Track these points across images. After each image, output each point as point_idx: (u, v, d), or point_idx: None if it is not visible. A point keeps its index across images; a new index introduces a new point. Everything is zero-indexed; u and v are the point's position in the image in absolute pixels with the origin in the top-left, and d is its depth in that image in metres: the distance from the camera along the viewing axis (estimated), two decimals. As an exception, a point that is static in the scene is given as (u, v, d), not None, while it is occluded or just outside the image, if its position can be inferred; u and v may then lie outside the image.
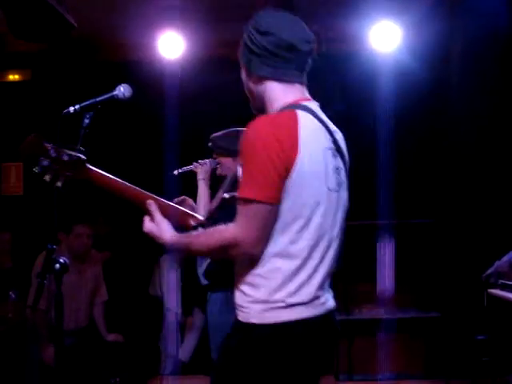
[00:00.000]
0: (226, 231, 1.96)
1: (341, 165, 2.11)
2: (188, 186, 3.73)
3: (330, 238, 2.05)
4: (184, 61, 5.63)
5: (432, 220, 5.58)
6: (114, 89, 2.31)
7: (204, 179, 3.67)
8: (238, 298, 2.05)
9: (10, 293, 5.10)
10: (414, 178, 5.79)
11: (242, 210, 1.94)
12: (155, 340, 5.50)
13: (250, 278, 2.00)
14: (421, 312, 5.53)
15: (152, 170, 5.28)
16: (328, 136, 2.08)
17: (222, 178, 3.57)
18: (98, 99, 2.25)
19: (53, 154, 2.08)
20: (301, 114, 2.00)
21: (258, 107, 2.18)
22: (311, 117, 2.04)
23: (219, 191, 3.51)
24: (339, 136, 2.15)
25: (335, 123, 2.16)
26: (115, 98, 2.27)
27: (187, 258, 4.19)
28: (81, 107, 2.22)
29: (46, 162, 2.07)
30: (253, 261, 1.98)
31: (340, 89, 5.67)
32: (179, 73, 5.57)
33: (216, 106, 5.70)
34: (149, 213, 2.14)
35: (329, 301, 2.10)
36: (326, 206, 2.02)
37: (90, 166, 2.14)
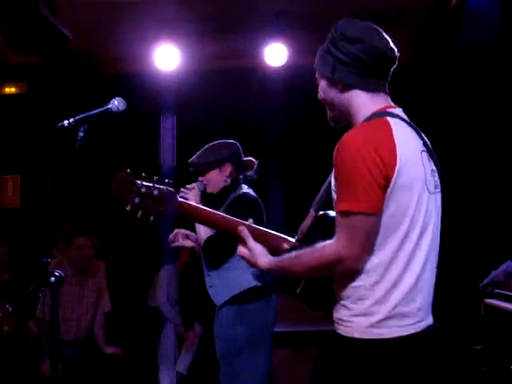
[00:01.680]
0: (327, 248, 1.92)
1: (434, 167, 2.08)
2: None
3: (431, 245, 2.02)
4: (180, 73, 5.64)
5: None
6: (108, 102, 2.32)
7: (196, 203, 3.61)
8: (340, 311, 2.01)
9: (7, 305, 5.09)
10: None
11: (342, 223, 1.90)
12: (153, 352, 5.49)
13: (352, 291, 1.97)
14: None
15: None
16: (419, 139, 2.06)
17: (215, 195, 3.57)
18: (91, 113, 2.26)
19: (143, 190, 2.05)
20: (392, 120, 1.98)
21: (338, 118, 2.15)
22: (402, 122, 2.02)
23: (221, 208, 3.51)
24: (426, 138, 2.12)
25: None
26: (109, 112, 2.29)
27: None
28: (75, 120, 2.23)
29: (137, 200, 2.04)
30: (355, 274, 1.94)
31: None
32: (175, 85, 5.59)
33: (212, 118, 5.71)
34: (241, 239, 2.11)
35: (430, 317, 2.06)
36: (427, 211, 1.99)
37: (181, 199, 2.12)
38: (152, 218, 2.05)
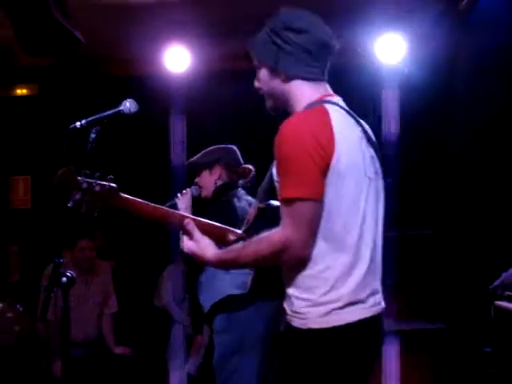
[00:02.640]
0: (273, 236, 1.92)
1: (374, 153, 2.11)
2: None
3: (374, 231, 2.04)
4: (190, 75, 5.65)
5: (437, 231, 5.57)
6: (120, 103, 2.34)
7: (186, 209, 3.55)
8: (293, 303, 2.00)
9: (18, 306, 5.12)
10: (416, 189, 5.79)
11: (287, 210, 1.90)
12: (162, 352, 5.50)
13: (302, 281, 1.97)
14: (427, 324, 5.51)
15: (159, 184, 5.30)
16: (358, 126, 2.09)
17: (208, 200, 3.56)
18: (104, 114, 2.27)
19: (84, 185, 2.07)
20: (330, 107, 2.00)
21: (278, 107, 2.17)
22: (340, 109, 2.05)
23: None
24: (367, 126, 2.16)
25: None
26: (121, 113, 2.30)
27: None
28: (87, 122, 2.24)
29: (78, 196, 2.06)
30: (303, 262, 1.94)
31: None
32: (185, 87, 5.60)
33: (222, 119, 5.72)
34: (187, 232, 2.12)
35: (382, 302, 2.08)
36: (368, 196, 2.02)
37: (123, 194, 2.13)
38: (96, 213, 2.09)
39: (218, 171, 3.53)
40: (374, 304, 2.03)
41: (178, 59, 5.56)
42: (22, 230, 6.19)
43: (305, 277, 1.96)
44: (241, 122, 5.76)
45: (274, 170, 2.02)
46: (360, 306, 1.97)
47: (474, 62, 5.19)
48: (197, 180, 3.61)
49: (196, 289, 3.56)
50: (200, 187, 3.60)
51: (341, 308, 1.94)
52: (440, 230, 5.56)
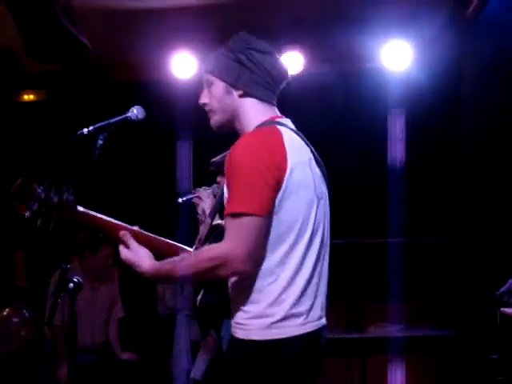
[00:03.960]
0: (214, 249, 1.94)
1: (320, 173, 2.17)
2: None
3: (320, 247, 2.07)
4: (197, 81, 5.65)
5: (445, 238, 5.56)
6: (127, 109, 2.35)
7: (206, 204, 3.61)
8: (237, 315, 2.03)
9: (24, 311, 5.13)
10: (425, 196, 5.79)
11: (231, 225, 1.92)
12: (167, 358, 5.50)
13: (247, 294, 1.99)
14: (433, 330, 5.50)
15: (165, 190, 5.31)
16: (307, 147, 2.15)
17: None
18: (111, 121, 2.28)
19: (42, 195, 2.06)
20: (281, 128, 2.06)
21: (225, 123, 2.21)
22: (290, 131, 2.10)
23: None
24: (312, 148, 2.20)
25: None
26: (128, 120, 2.30)
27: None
28: (94, 129, 2.25)
29: (35, 206, 2.05)
30: (249, 276, 1.96)
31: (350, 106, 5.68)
32: (192, 93, 5.60)
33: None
34: (122, 242, 2.10)
35: (323, 317, 2.11)
36: (317, 215, 2.05)
37: (79, 207, 2.11)
38: (51, 225, 2.07)
39: None
40: (317, 318, 2.06)
41: (184, 65, 5.57)
42: (29, 236, 6.20)
43: (250, 290, 1.99)
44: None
45: (225, 188, 2.04)
46: (301, 320, 2.00)
47: (481, 66, 5.19)
48: (219, 179, 3.64)
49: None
50: (217, 187, 3.62)
51: (282, 321, 1.97)
52: (446, 237, 5.56)
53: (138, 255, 2.07)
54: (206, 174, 3.89)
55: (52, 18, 3.88)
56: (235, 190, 1.94)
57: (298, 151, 2.05)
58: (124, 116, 2.31)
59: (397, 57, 5.45)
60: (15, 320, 5.13)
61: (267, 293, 1.97)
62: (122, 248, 2.10)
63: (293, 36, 5.33)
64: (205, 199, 3.61)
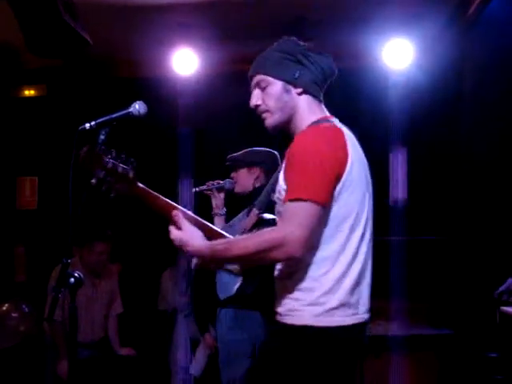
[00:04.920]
0: (271, 232, 1.98)
1: (368, 173, 2.22)
2: (202, 204, 3.76)
3: (368, 243, 2.14)
4: (198, 77, 5.66)
5: (444, 237, 5.57)
6: (128, 105, 2.34)
7: (220, 215, 3.73)
8: (288, 303, 2.07)
9: (23, 306, 5.13)
10: (426, 195, 5.79)
11: (290, 209, 1.96)
12: (166, 354, 5.51)
13: (301, 282, 2.04)
14: (433, 329, 5.50)
15: (166, 186, 5.30)
16: (359, 145, 2.20)
17: (241, 196, 3.62)
18: (113, 116, 2.27)
19: (109, 165, 2.11)
20: (340, 125, 2.15)
21: (283, 123, 2.24)
22: (346, 128, 2.17)
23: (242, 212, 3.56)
24: None
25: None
26: (130, 115, 2.30)
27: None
28: (96, 124, 2.24)
29: (101, 174, 2.09)
30: (305, 265, 2.02)
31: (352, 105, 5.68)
32: (193, 89, 5.61)
33: (230, 122, 5.73)
34: (174, 222, 2.14)
35: (368, 312, 2.16)
36: (368, 209, 2.13)
37: (139, 183, 2.17)
38: (112, 194, 2.12)
39: (257, 173, 3.60)
40: (364, 312, 2.12)
41: (185, 62, 5.57)
42: (29, 231, 6.21)
43: (304, 279, 2.04)
44: (248, 125, 5.76)
45: (281, 179, 2.08)
46: (351, 311, 2.06)
47: (482, 66, 5.19)
48: (233, 175, 3.67)
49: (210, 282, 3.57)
50: (235, 182, 3.66)
51: (334, 309, 2.02)
52: (446, 236, 5.56)
53: (191, 234, 2.09)
54: (208, 169, 3.89)
55: (54, 13, 3.89)
56: (297, 178, 1.98)
57: (355, 148, 2.12)
58: (126, 111, 2.30)
59: (398, 55, 5.44)
60: (14, 315, 5.13)
61: (322, 282, 2.02)
62: (172, 228, 2.13)
63: (294, 34, 5.32)
64: (216, 194, 3.67)
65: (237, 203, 3.70)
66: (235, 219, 3.66)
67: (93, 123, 2.25)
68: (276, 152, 3.68)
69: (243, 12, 5.17)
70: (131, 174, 2.13)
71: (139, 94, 2.64)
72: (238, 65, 5.88)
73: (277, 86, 2.22)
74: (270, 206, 2.23)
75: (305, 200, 1.93)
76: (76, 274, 2.22)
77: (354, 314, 2.06)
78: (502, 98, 4.81)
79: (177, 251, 5.34)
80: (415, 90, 5.36)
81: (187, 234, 2.10)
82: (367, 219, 2.12)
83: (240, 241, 2.05)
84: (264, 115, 2.26)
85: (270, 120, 2.25)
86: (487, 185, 5.05)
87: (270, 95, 2.23)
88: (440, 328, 5.45)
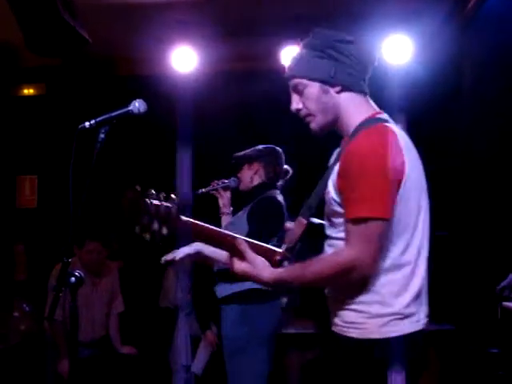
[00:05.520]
0: (341, 256, 1.94)
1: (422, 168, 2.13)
2: (203, 205, 3.76)
3: (427, 246, 2.06)
4: (197, 75, 5.66)
5: (445, 233, 5.56)
6: (128, 103, 2.34)
7: (228, 214, 3.75)
8: (348, 315, 2.02)
9: (24, 305, 5.13)
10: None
11: (356, 229, 1.91)
12: (167, 352, 5.50)
13: (361, 295, 1.99)
14: (434, 324, 5.50)
15: (165, 184, 5.30)
16: (412, 144, 2.11)
17: (245, 194, 3.63)
18: (113, 114, 2.27)
19: (152, 209, 1.95)
20: (392, 127, 2.03)
21: (329, 124, 2.14)
22: (398, 128, 2.07)
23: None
24: None
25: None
26: (130, 114, 2.30)
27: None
28: (96, 122, 2.24)
29: (145, 220, 1.94)
30: (364, 278, 1.96)
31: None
32: (192, 87, 5.61)
33: (230, 119, 5.73)
34: (238, 253, 2.03)
35: (427, 316, 2.10)
36: (424, 215, 2.05)
37: (183, 217, 2.01)
38: (159, 240, 1.96)
39: (255, 167, 3.62)
40: (424, 317, 2.05)
41: (184, 59, 5.56)
42: (29, 230, 6.20)
43: (364, 291, 1.98)
44: (247, 122, 5.77)
45: (332, 187, 2.01)
46: (414, 318, 2.00)
47: (480, 61, 5.19)
48: (238, 174, 3.70)
49: (211, 279, 3.57)
50: (240, 180, 3.68)
51: (398, 320, 1.97)
52: (448, 232, 5.55)
53: (256, 265, 2.01)
54: (207, 168, 3.89)
55: (52, 11, 3.88)
56: (359, 193, 1.90)
57: (410, 151, 2.03)
58: (126, 109, 2.30)
59: (397, 51, 5.43)
60: (15, 314, 5.13)
61: (382, 294, 1.97)
62: (235, 260, 2.04)
63: (292, 30, 5.32)
64: (222, 194, 3.69)
65: (239, 201, 3.71)
66: (235, 217, 3.67)
67: (92, 122, 2.25)
68: (279, 148, 3.68)
69: (242, 9, 5.16)
70: (174, 211, 1.97)
71: (139, 92, 2.64)
72: (237, 62, 5.89)
73: (314, 87, 2.10)
74: (316, 212, 2.16)
75: (371, 218, 1.88)
76: (76, 273, 2.22)
77: (417, 322, 2.01)
78: (500, 93, 4.81)
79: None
80: (414, 86, 5.34)
81: (253, 265, 2.01)
82: (424, 223, 2.04)
83: (310, 267, 1.97)
84: (307, 119, 2.15)
85: (314, 124, 2.14)
86: (487, 181, 5.04)
87: (309, 98, 2.11)
88: (441, 323, 5.44)
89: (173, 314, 5.48)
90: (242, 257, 2.02)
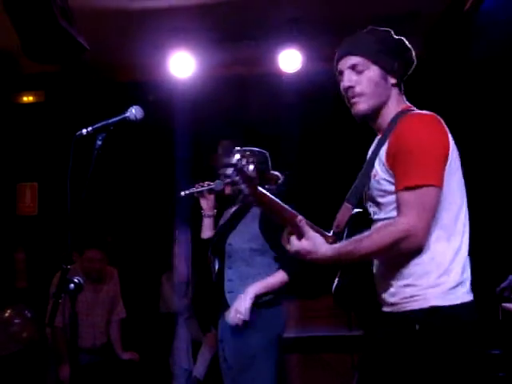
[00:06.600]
0: (396, 224, 1.99)
1: None
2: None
3: (467, 227, 2.16)
4: (195, 80, 5.67)
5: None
6: (125, 110, 2.35)
7: (210, 216, 3.69)
8: (403, 291, 2.07)
9: (26, 312, 5.13)
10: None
11: (410, 197, 1.99)
12: (168, 357, 5.51)
13: (415, 268, 2.04)
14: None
15: (163, 189, 5.31)
16: None
17: (232, 196, 3.58)
18: (110, 121, 2.28)
19: (239, 164, 2.09)
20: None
21: (374, 109, 2.22)
22: None
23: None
24: None
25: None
26: (127, 120, 2.31)
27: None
28: (93, 129, 2.25)
29: (231, 172, 2.02)
30: (418, 250, 2.02)
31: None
32: (190, 92, 5.62)
33: (227, 124, 5.74)
34: (297, 231, 2.05)
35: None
36: (465, 198, 2.17)
37: (259, 188, 2.06)
38: (238, 196, 2.09)
39: None
40: (470, 289, 2.13)
41: (182, 65, 5.57)
42: (29, 237, 6.21)
43: (419, 264, 2.04)
44: (245, 127, 5.78)
45: (380, 169, 2.11)
46: (465, 289, 2.08)
47: (478, 61, 5.19)
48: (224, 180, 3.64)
49: (224, 288, 3.53)
50: (225, 184, 3.61)
51: (454, 288, 2.04)
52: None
53: (315, 242, 2.04)
54: (205, 172, 3.89)
55: (50, 19, 3.88)
56: (411, 164, 2.01)
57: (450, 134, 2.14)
58: (122, 116, 2.31)
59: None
60: (17, 321, 5.13)
61: (436, 264, 2.03)
62: (293, 238, 2.06)
63: (291, 34, 5.34)
64: (207, 196, 3.63)
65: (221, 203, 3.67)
66: (241, 224, 3.58)
67: (90, 129, 2.26)
68: (265, 151, 3.63)
69: (239, 15, 5.17)
70: (255, 175, 2.15)
71: (137, 98, 2.65)
72: (235, 67, 5.90)
73: (376, 71, 2.20)
74: (360, 198, 2.21)
75: (425, 185, 1.97)
76: (76, 280, 2.23)
77: (468, 292, 2.09)
78: (498, 93, 4.81)
79: (172, 255, 5.35)
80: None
81: (312, 242, 2.04)
82: (466, 207, 2.16)
83: (365, 239, 2.01)
84: (356, 99, 2.22)
85: (364, 105, 2.21)
86: (487, 182, 5.04)
87: (369, 80, 2.20)
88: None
89: (173, 318, 5.49)
90: (299, 235, 2.05)
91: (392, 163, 2.05)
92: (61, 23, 3.93)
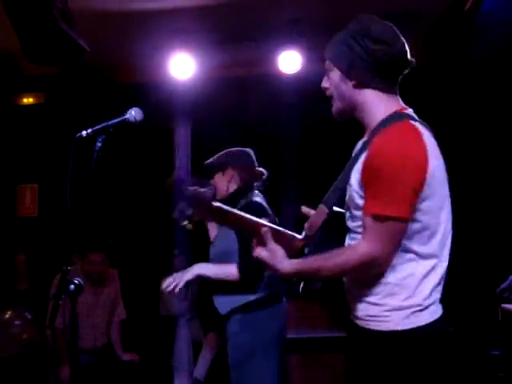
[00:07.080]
0: (358, 250, 1.95)
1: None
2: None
3: (448, 241, 2.05)
4: (195, 81, 5.67)
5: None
6: (125, 111, 2.35)
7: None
8: (368, 309, 2.03)
9: (26, 313, 5.14)
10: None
11: (375, 225, 1.92)
12: (169, 359, 5.51)
13: (381, 287, 1.99)
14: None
15: (163, 189, 5.31)
16: (435, 140, 2.07)
17: (222, 201, 3.57)
18: (109, 123, 2.29)
19: (188, 195, 2.05)
20: (416, 124, 2.00)
21: (344, 111, 2.14)
22: (421, 125, 2.03)
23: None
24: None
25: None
26: (126, 122, 2.31)
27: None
28: (93, 131, 2.25)
29: (182, 206, 2.02)
30: (384, 271, 1.97)
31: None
32: (190, 93, 5.62)
33: (227, 125, 5.74)
34: (261, 241, 2.02)
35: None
36: (447, 211, 2.04)
37: (215, 203, 2.03)
38: (190, 225, 2.04)
39: (230, 173, 3.48)
40: (440, 307, 2.07)
41: (182, 66, 5.57)
42: (30, 238, 6.21)
43: (385, 284, 1.99)
44: (245, 128, 5.78)
45: (355, 180, 2.00)
46: (434, 307, 2.01)
47: (478, 62, 5.19)
48: (212, 181, 3.62)
49: (210, 290, 3.54)
50: (215, 189, 3.60)
51: (420, 311, 1.98)
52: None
53: (275, 255, 2.01)
54: (205, 174, 3.88)
55: (50, 21, 3.88)
56: (380, 190, 1.90)
57: (434, 148, 2.00)
58: (122, 118, 2.31)
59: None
60: (17, 323, 5.13)
61: (403, 286, 1.97)
62: (258, 249, 2.03)
63: (290, 36, 5.34)
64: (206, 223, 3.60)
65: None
66: (219, 230, 3.58)
67: (89, 130, 2.26)
68: (248, 149, 3.58)
69: (239, 16, 5.18)
70: (208, 195, 2.08)
71: (137, 99, 2.65)
72: (235, 68, 5.90)
73: (335, 73, 2.10)
74: (339, 202, 2.16)
75: (391, 218, 1.89)
76: (76, 281, 2.23)
77: (432, 312, 2.01)
78: (498, 93, 4.82)
79: (173, 257, 5.33)
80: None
81: (273, 255, 2.01)
82: (447, 220, 2.03)
83: (328, 260, 1.97)
84: (332, 101, 2.16)
85: (334, 107, 2.15)
86: (489, 182, 5.05)
87: (331, 82, 2.13)
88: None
89: (173, 321, 5.49)
90: (264, 245, 2.02)
91: (365, 182, 1.95)
92: (61, 25, 3.93)
